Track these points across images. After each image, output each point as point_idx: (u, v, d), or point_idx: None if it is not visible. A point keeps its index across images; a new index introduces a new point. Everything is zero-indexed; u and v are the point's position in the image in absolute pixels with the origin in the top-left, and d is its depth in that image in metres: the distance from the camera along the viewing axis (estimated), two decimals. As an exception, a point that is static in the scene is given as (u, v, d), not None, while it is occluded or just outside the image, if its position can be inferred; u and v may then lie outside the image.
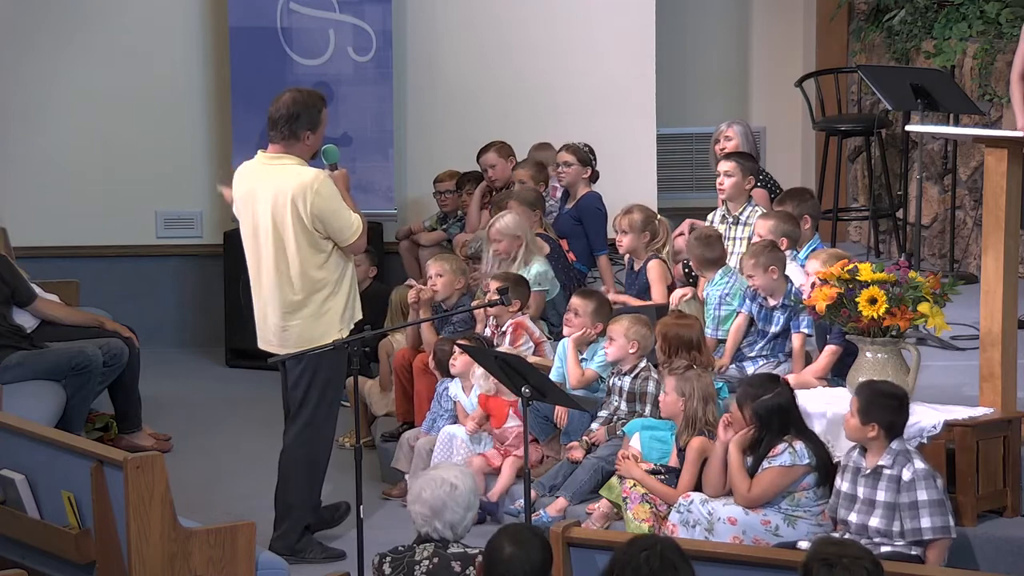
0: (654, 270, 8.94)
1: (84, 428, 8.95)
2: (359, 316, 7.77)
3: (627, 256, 9.20)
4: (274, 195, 7.53)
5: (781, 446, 6.84)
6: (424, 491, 5.84)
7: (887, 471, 6.46)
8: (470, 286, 9.23)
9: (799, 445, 6.83)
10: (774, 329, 8.08)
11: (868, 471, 6.51)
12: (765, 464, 6.86)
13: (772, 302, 8.07)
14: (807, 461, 6.81)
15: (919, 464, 6.45)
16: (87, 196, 11.31)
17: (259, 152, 7.73)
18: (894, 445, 6.49)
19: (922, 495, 6.38)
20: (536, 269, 9.10)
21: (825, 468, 6.83)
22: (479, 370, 8.08)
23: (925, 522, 6.37)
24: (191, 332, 11.37)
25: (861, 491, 6.52)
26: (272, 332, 7.65)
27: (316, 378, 7.67)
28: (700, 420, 7.31)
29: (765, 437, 6.88)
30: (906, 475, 6.41)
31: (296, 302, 7.58)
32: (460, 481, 5.86)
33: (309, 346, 7.40)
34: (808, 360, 8.00)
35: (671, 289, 8.98)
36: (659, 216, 9.21)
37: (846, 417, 6.64)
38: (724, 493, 7.00)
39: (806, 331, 7.97)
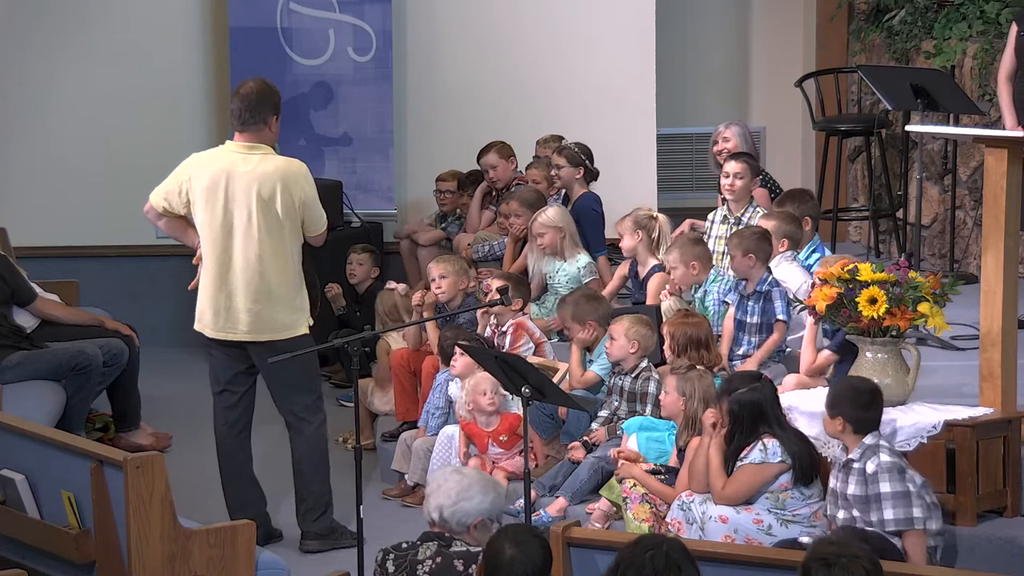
0: (654, 281, 8.97)
1: (84, 428, 8.95)
2: None
3: (631, 261, 9.22)
4: (260, 181, 7.58)
5: (754, 444, 6.85)
6: (447, 481, 5.92)
7: (855, 464, 6.50)
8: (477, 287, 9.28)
9: (771, 443, 6.80)
10: (751, 320, 8.07)
11: (842, 465, 6.55)
12: (738, 463, 6.86)
13: (747, 290, 8.08)
14: (780, 459, 6.79)
15: (884, 457, 6.45)
16: (87, 196, 11.32)
17: (227, 142, 7.77)
18: (867, 440, 6.51)
19: (884, 487, 6.40)
20: (583, 260, 9.45)
21: (804, 467, 6.81)
22: (463, 396, 8.08)
23: (888, 514, 6.38)
24: (191, 332, 11.29)
25: (839, 486, 6.56)
26: (240, 320, 7.67)
27: (313, 364, 7.92)
28: (700, 420, 7.30)
29: (737, 432, 6.88)
30: (870, 468, 6.44)
31: (275, 288, 7.64)
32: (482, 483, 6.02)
33: (282, 332, 7.65)
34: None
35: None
36: (655, 214, 9.20)
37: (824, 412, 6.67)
38: (707, 489, 7.00)
39: (782, 317, 7.98)
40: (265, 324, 7.66)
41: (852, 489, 6.48)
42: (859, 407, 6.54)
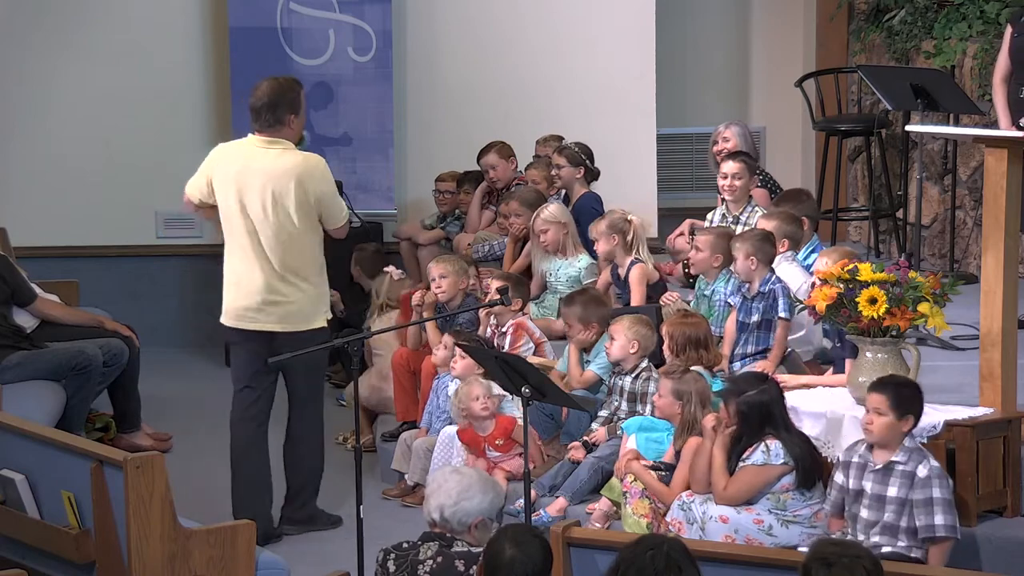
0: (633, 274, 8.97)
1: (84, 428, 8.95)
2: None
3: (612, 265, 9.18)
4: (277, 175, 7.65)
5: (756, 445, 6.83)
6: (448, 481, 5.92)
7: (900, 467, 6.44)
8: (478, 287, 9.29)
9: (774, 444, 6.79)
10: (752, 320, 8.05)
11: (879, 466, 6.48)
12: (740, 464, 6.85)
13: (751, 292, 8.06)
14: (782, 460, 6.78)
15: (934, 463, 6.45)
16: (87, 196, 11.32)
17: (250, 135, 7.80)
18: (907, 442, 6.49)
19: (936, 492, 6.38)
20: (585, 261, 9.44)
21: (806, 469, 6.80)
22: (456, 404, 8.08)
23: (938, 519, 6.35)
24: (191, 332, 11.37)
25: (869, 486, 6.50)
26: (263, 310, 7.72)
27: (321, 362, 8.10)
28: (699, 422, 7.29)
29: (745, 434, 6.87)
30: (921, 471, 6.40)
31: (295, 280, 7.70)
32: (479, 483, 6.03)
33: (303, 323, 7.74)
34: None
35: (662, 289, 9.00)
36: (629, 216, 9.16)
37: (868, 419, 6.53)
38: (709, 490, 6.99)
39: (784, 315, 7.96)
40: (288, 315, 7.73)
41: (894, 492, 6.42)
42: (920, 401, 6.55)
